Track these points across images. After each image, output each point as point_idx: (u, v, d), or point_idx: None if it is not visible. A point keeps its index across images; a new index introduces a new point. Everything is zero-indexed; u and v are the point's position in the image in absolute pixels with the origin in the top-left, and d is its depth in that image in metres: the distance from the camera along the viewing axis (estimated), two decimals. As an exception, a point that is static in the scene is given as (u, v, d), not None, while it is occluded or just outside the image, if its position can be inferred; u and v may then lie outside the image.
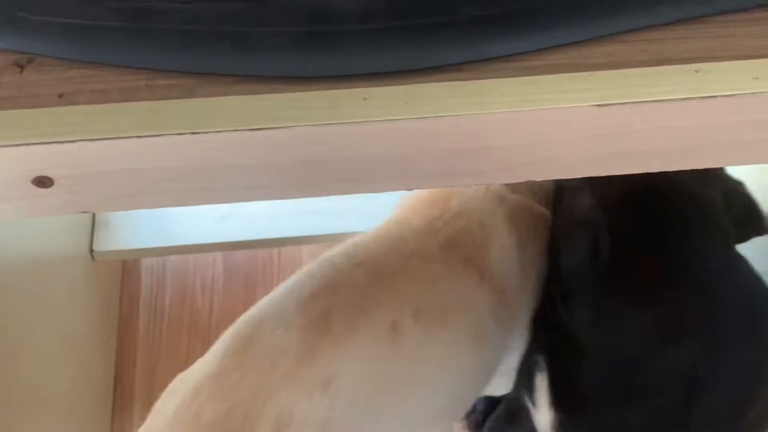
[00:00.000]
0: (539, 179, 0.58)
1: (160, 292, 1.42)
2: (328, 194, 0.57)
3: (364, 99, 0.54)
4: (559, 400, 0.93)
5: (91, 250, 1.33)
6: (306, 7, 0.54)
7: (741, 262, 0.88)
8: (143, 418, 1.28)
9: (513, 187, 1.00)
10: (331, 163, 0.55)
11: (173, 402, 0.83)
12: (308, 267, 0.92)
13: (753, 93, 0.54)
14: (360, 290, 0.87)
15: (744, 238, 0.90)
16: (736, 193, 0.91)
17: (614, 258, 0.89)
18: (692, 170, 0.58)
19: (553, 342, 0.94)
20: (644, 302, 0.87)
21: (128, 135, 0.53)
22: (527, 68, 0.55)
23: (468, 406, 1.02)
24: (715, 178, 0.91)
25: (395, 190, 0.57)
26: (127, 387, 1.35)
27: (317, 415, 0.80)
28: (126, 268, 1.46)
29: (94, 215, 1.34)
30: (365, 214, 1.25)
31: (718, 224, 0.88)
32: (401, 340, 0.86)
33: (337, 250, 0.94)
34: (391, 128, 0.53)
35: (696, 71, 0.54)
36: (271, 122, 0.53)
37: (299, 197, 0.57)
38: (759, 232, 0.91)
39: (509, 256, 0.96)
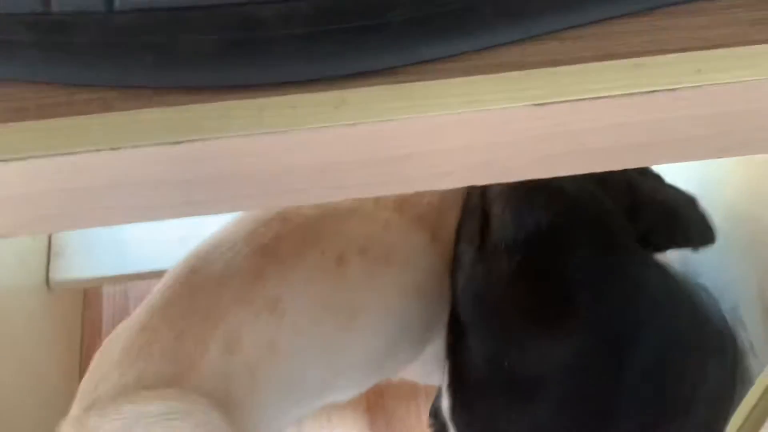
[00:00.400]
0: (478, 184, 0.55)
1: (122, 320, 1.39)
2: (262, 207, 0.55)
3: (292, 107, 0.51)
4: (453, 386, 0.92)
5: (48, 280, 1.29)
6: (229, 15, 0.52)
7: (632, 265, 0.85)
8: None
9: None
10: (262, 175, 0.53)
11: (117, 345, 0.82)
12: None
13: (695, 86, 0.52)
14: (311, 222, 0.89)
15: (663, 247, 0.87)
16: (653, 201, 0.88)
17: (489, 247, 0.88)
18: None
19: (452, 326, 0.93)
20: (518, 295, 0.86)
21: (45, 154, 0.50)
22: (463, 69, 0.53)
23: (402, 365, 1.00)
24: (625, 184, 0.89)
25: (329, 200, 0.55)
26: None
27: (264, 336, 0.81)
28: (86, 297, 1.42)
29: (50, 242, 1.31)
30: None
31: (603, 225, 0.85)
32: (347, 272, 0.88)
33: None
34: (321, 136, 0.51)
35: (636, 66, 0.52)
36: (193, 134, 0.50)
37: (235, 211, 0.55)
38: (683, 241, 0.88)
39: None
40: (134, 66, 0.53)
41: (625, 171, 0.84)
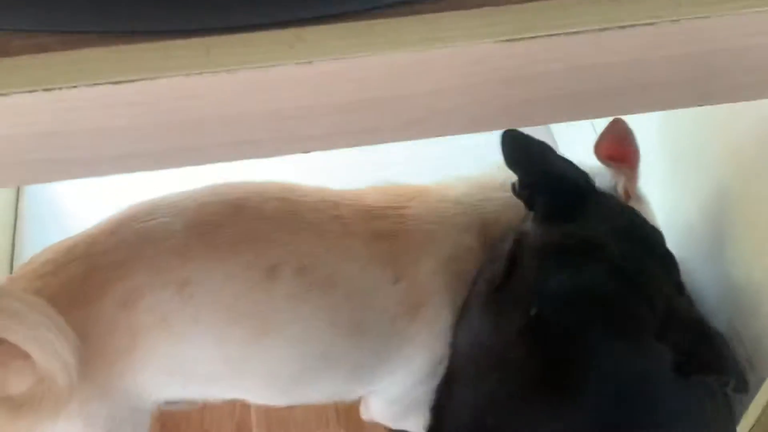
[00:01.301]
0: (442, 135, 0.51)
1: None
2: (209, 162, 0.50)
3: (244, 45, 0.47)
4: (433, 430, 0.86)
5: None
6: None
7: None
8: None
9: (489, 230, 0.92)
10: (209, 122, 0.48)
11: (40, 257, 0.82)
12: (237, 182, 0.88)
13: (674, 21, 0.48)
14: (261, 221, 0.83)
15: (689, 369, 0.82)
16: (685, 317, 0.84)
17: (507, 295, 0.84)
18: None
19: (443, 380, 0.88)
20: (522, 353, 0.80)
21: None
22: (428, 8, 0.49)
23: (327, 396, 0.96)
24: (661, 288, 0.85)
25: (286, 153, 0.50)
26: None
27: (161, 309, 0.79)
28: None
29: (13, 247, 1.25)
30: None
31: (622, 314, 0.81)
32: (273, 287, 0.82)
33: (280, 184, 0.89)
34: (274, 76, 0.47)
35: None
36: (134, 73, 0.46)
37: (178, 166, 0.50)
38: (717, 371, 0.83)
39: (440, 279, 0.89)
40: (72, 10, 0.49)
41: (664, 278, 0.82)
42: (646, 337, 0.79)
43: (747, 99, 0.52)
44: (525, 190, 0.88)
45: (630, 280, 0.82)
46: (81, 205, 1.22)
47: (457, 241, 0.90)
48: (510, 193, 0.90)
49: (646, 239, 0.89)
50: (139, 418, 0.85)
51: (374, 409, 0.99)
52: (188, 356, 0.83)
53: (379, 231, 0.86)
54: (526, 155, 0.88)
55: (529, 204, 0.88)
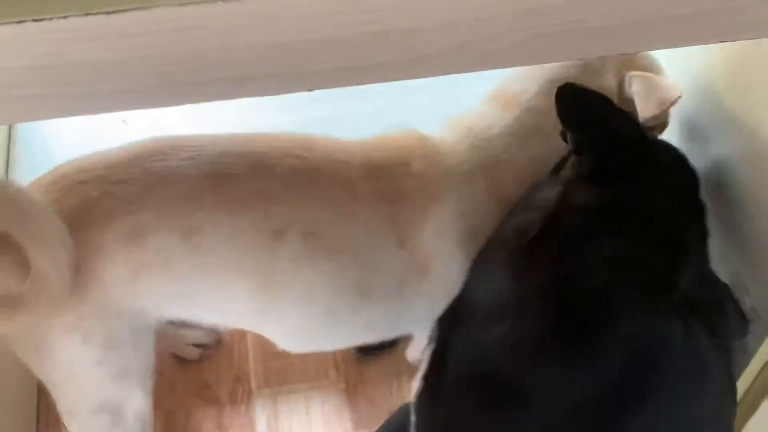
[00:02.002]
0: (455, 72, 0.49)
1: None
2: (207, 100, 0.48)
3: (242, -26, 0.45)
4: (428, 372, 0.85)
5: None
6: None
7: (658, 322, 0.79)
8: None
9: (492, 174, 0.90)
10: (207, 55, 0.46)
11: (58, 170, 0.82)
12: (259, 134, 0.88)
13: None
14: (277, 180, 0.82)
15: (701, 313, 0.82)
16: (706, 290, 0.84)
17: (533, 242, 0.82)
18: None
19: (450, 311, 0.86)
20: (547, 306, 0.79)
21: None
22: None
23: (323, 346, 0.97)
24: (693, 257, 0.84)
25: (289, 91, 0.48)
26: (52, 404, 1.25)
27: (166, 251, 0.79)
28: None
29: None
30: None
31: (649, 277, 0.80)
32: (278, 247, 0.81)
33: (290, 134, 0.89)
34: (276, 6, 0.44)
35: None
36: (127, 3, 0.43)
37: (176, 104, 0.48)
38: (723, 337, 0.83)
39: (447, 239, 0.88)
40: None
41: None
42: (667, 302, 0.79)
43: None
44: (575, 144, 0.86)
45: (666, 250, 0.81)
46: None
47: (461, 195, 0.88)
48: (503, 130, 0.89)
49: (687, 195, 0.88)
50: (140, 337, 0.86)
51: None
52: (191, 292, 0.83)
53: (385, 193, 0.85)
54: (581, 111, 0.85)
55: (578, 153, 0.85)
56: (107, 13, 0.43)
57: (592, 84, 0.87)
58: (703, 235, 0.86)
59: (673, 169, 0.88)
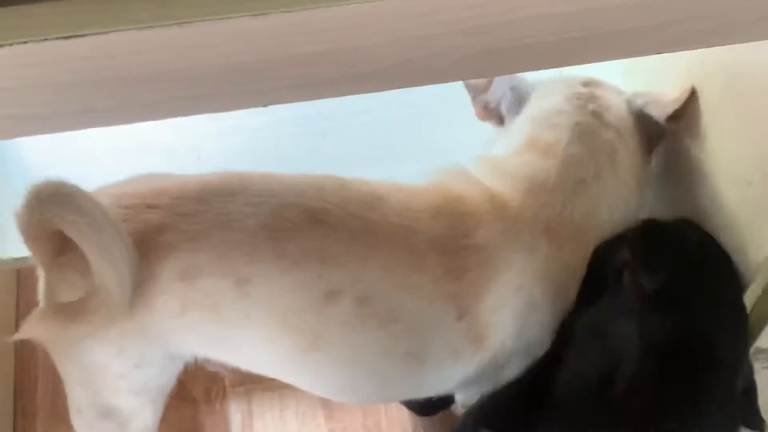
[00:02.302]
0: (406, 87, 0.51)
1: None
2: (166, 117, 0.50)
3: (196, -1, 0.47)
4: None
5: (-21, 259, 1.23)
6: None
7: None
8: (48, 437, 1.19)
9: (554, 236, 0.85)
10: (164, 76, 0.48)
11: (130, 185, 0.82)
12: (322, 177, 0.85)
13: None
14: (337, 241, 0.80)
15: None
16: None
17: (628, 397, 0.81)
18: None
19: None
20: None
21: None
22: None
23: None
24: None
25: (243, 107, 0.50)
26: (29, 405, 1.26)
27: (216, 295, 0.78)
28: (21, 277, 1.36)
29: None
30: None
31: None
32: (329, 311, 0.80)
33: (358, 185, 0.85)
34: (228, 29, 0.46)
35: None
36: (85, 28, 0.45)
37: (136, 122, 0.50)
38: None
39: (510, 312, 0.84)
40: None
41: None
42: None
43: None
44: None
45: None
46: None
47: (522, 267, 0.84)
48: (556, 184, 0.85)
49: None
50: (170, 364, 0.87)
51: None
52: (235, 340, 0.83)
53: (449, 267, 0.82)
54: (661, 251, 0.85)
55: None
56: (65, 38, 0.45)
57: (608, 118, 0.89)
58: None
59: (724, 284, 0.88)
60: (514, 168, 0.88)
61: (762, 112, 0.80)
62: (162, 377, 0.87)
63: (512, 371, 0.87)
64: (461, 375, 0.87)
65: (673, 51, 0.53)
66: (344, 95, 0.51)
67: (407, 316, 0.82)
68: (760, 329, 0.86)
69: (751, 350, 0.89)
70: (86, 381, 0.85)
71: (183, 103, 0.50)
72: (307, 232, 0.80)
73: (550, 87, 0.94)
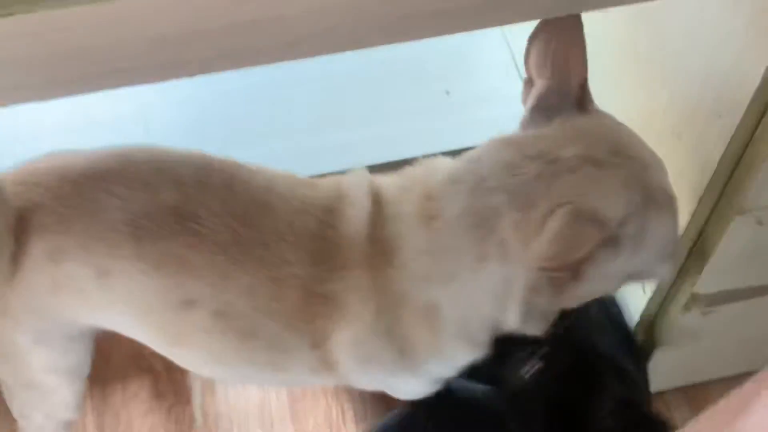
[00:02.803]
0: (323, 54, 0.53)
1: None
2: (93, 90, 0.51)
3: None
4: None
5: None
6: None
7: None
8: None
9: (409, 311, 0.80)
10: (90, 51, 0.49)
11: (23, 170, 0.81)
12: (215, 166, 0.81)
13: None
14: (201, 250, 0.78)
15: None
16: None
17: None
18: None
19: None
20: None
21: None
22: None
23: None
24: None
25: (172, 78, 0.52)
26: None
27: (79, 282, 0.79)
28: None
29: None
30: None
31: None
32: (186, 315, 0.80)
33: (247, 186, 0.81)
34: (145, 3, 0.48)
35: None
36: (14, 6, 0.47)
37: (67, 95, 0.52)
38: None
39: (352, 360, 0.83)
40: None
41: None
42: None
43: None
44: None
45: None
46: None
47: (366, 327, 0.80)
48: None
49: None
50: (71, 341, 0.88)
51: None
52: (108, 321, 0.85)
53: (304, 305, 0.80)
54: None
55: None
56: (-4, 16, 0.47)
57: None
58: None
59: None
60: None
61: (690, 67, 0.82)
62: (69, 356, 0.88)
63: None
64: (329, 382, 0.90)
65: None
66: (271, 63, 0.53)
67: (266, 335, 0.81)
68: (697, 274, 0.90)
69: (688, 297, 0.93)
70: (3, 354, 0.87)
71: (111, 77, 0.52)
72: (171, 237, 0.78)
73: None
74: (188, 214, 0.78)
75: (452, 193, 0.76)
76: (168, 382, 1.20)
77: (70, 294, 0.81)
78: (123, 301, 0.81)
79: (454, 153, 0.91)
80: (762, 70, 0.69)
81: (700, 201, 0.83)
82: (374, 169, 0.89)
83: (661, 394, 1.10)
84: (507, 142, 0.75)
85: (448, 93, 1.33)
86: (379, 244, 0.79)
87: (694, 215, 0.85)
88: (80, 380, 0.92)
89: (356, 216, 0.80)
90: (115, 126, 1.16)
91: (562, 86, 0.75)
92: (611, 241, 0.70)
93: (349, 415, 1.16)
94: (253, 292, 0.79)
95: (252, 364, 0.85)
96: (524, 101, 0.79)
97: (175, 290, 0.79)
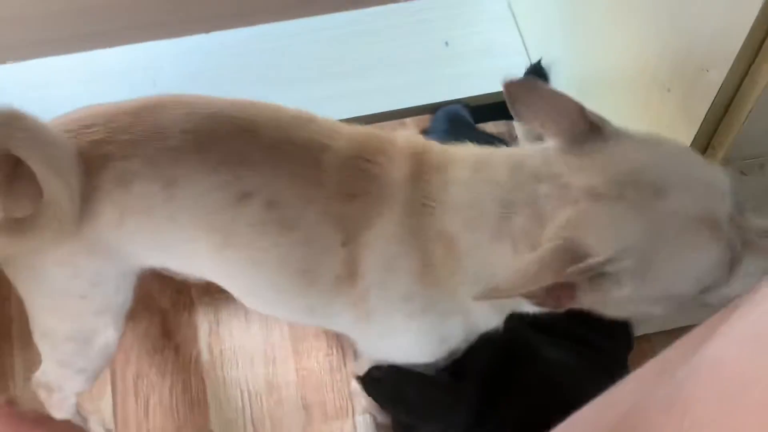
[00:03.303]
0: (340, 11, 0.56)
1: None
2: (114, 45, 0.55)
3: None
4: None
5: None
6: None
7: None
8: (24, 354, 1.24)
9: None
10: (112, 6, 0.53)
11: (71, 115, 0.84)
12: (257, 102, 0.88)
13: None
14: (256, 148, 0.84)
15: None
16: None
17: None
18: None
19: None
20: None
21: None
22: None
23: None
24: None
25: (186, 34, 0.55)
26: (4, 326, 1.30)
27: (148, 198, 0.82)
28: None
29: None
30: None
31: None
32: (240, 211, 0.84)
33: (293, 110, 0.88)
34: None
35: None
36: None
37: (86, 49, 0.55)
38: None
39: (379, 258, 0.85)
40: None
41: None
42: None
43: None
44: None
45: None
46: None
47: (402, 222, 0.83)
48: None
49: None
50: (123, 279, 0.91)
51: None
52: (165, 242, 0.87)
53: (344, 189, 0.84)
54: None
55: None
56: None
57: None
58: None
59: None
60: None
61: (680, 21, 0.85)
62: (119, 295, 0.92)
63: (377, 336, 0.92)
64: (341, 308, 0.89)
65: None
66: (282, 20, 0.55)
67: (304, 226, 0.85)
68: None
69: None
70: (50, 306, 0.90)
71: (131, 32, 0.55)
72: (231, 138, 0.83)
73: None
74: (245, 121, 0.84)
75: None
76: (176, 320, 1.24)
77: (136, 218, 0.83)
78: (186, 207, 0.84)
79: (453, 103, 0.95)
80: (748, 27, 0.72)
81: (688, 152, 0.87)
82: (374, 118, 0.92)
83: (647, 337, 1.15)
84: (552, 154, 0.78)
85: (447, 44, 1.35)
86: (419, 179, 0.83)
87: (681, 166, 0.89)
88: (124, 316, 0.95)
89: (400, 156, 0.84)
90: (124, 77, 1.17)
91: (566, 127, 0.76)
92: (606, 275, 0.71)
93: (349, 353, 1.21)
94: (297, 179, 0.84)
95: (284, 272, 0.87)
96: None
97: (234, 184, 0.83)
